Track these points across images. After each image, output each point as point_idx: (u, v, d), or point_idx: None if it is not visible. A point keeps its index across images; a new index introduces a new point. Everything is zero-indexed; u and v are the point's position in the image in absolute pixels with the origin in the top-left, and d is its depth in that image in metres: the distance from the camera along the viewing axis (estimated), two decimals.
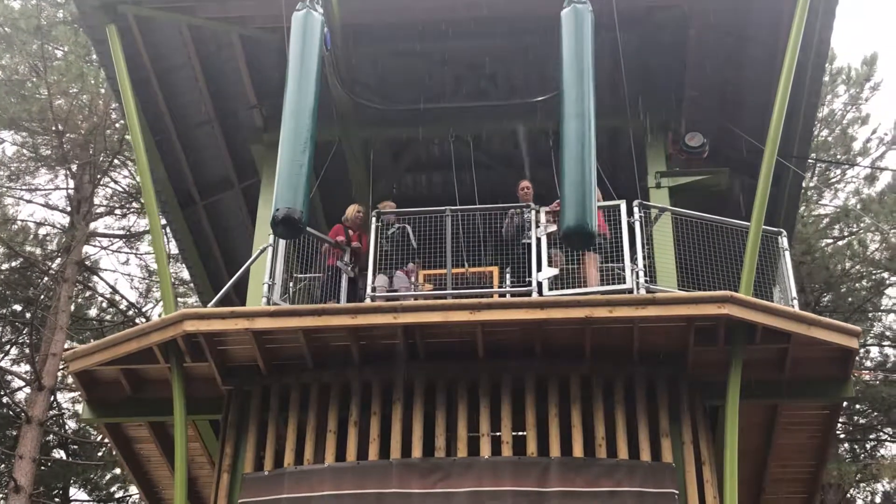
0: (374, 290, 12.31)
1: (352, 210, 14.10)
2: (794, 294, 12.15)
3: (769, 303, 11.65)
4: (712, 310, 11.16)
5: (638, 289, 11.78)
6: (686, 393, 11.71)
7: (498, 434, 11.54)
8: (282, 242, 12.74)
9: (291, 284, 13.17)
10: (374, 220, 13.03)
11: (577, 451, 11.29)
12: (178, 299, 30.60)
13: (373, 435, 11.58)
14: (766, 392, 11.97)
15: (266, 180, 14.56)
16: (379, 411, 11.76)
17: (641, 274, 11.87)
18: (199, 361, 12.05)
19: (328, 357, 12.01)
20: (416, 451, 11.39)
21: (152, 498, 14.53)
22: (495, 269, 13.19)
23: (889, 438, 28.20)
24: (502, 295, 12.54)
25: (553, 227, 12.39)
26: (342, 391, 11.99)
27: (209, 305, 12.72)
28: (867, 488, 28.53)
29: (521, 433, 11.75)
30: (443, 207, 12.80)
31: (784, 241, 12.68)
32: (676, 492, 11.01)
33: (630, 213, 12.41)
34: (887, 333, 28.33)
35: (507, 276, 12.78)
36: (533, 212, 12.69)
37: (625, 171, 14.33)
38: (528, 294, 11.99)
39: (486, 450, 11.36)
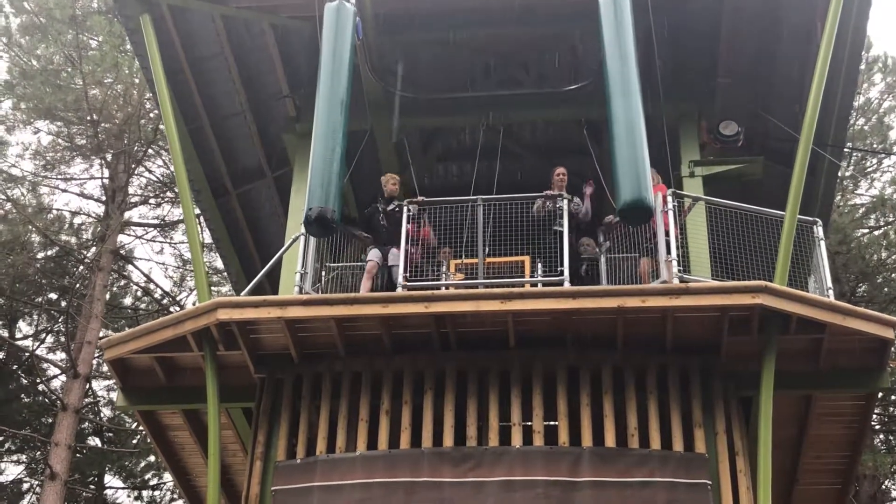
0: (405, 278, 12.29)
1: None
2: (830, 284, 12.04)
3: (804, 293, 11.55)
4: (746, 300, 11.08)
5: (671, 278, 11.71)
6: (719, 383, 11.63)
7: (529, 424, 11.51)
8: None
9: (323, 273, 13.20)
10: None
11: (609, 440, 11.25)
12: (212, 288, 30.74)
13: (404, 424, 11.58)
14: (799, 382, 11.88)
15: (298, 170, 14.60)
16: (410, 400, 11.77)
17: (675, 264, 11.79)
18: (232, 350, 12.11)
19: (360, 346, 12.03)
20: (448, 441, 11.39)
21: (186, 485, 14.62)
22: (527, 259, 13.17)
23: None
24: (534, 284, 12.52)
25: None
26: (374, 380, 12.01)
27: (242, 294, 12.76)
28: None
29: (552, 423, 11.72)
30: (474, 196, 12.77)
31: (819, 231, 12.54)
32: (709, 482, 10.95)
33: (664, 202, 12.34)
34: None
35: (539, 265, 12.75)
36: (565, 200, 12.63)
37: (658, 160, 14.22)
38: (560, 283, 11.94)
39: (517, 439, 11.33)
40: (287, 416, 12.00)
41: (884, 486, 26.91)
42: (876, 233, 27.79)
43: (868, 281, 27.07)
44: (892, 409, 27.49)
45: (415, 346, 11.96)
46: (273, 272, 13.59)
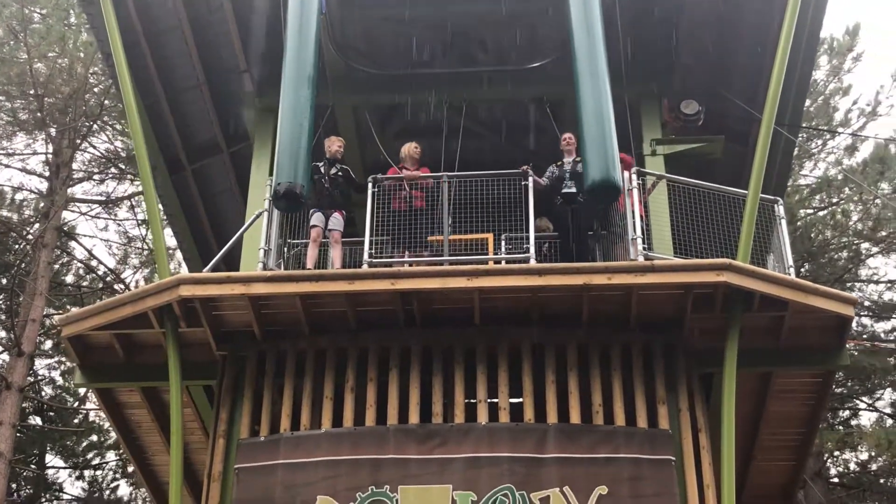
0: (370, 255, 12.22)
1: (407, 147, 13.65)
2: (791, 262, 12.17)
3: (767, 271, 11.68)
4: (711, 277, 11.16)
5: (637, 256, 11.77)
6: (683, 360, 11.73)
7: (495, 401, 11.54)
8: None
9: (286, 250, 13.10)
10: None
11: (575, 417, 11.30)
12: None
13: (369, 401, 11.55)
14: (761, 360, 11.99)
15: (259, 145, 14.47)
16: (375, 377, 11.73)
17: (640, 241, 11.84)
18: (193, 326, 11.98)
19: (324, 323, 11.95)
20: (413, 418, 11.38)
21: (142, 463, 14.46)
22: (490, 236, 13.17)
23: (866, 408, 28.43)
24: (498, 262, 12.52)
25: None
26: (338, 357, 11.95)
27: (204, 270, 12.61)
28: (842, 457, 28.77)
29: (518, 400, 11.76)
30: (440, 174, 12.73)
31: (780, 209, 12.67)
32: (673, 458, 11.06)
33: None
34: (866, 303, 28.47)
35: (503, 243, 12.75)
36: (531, 178, 12.62)
37: (620, 138, 14.30)
38: (526, 261, 11.95)
39: (483, 416, 11.35)
40: (250, 393, 11.91)
41: (828, 463, 27.37)
42: (821, 213, 28.13)
43: (813, 260, 27.41)
44: (836, 387, 27.90)
45: (380, 324, 11.91)
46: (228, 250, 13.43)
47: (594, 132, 11.38)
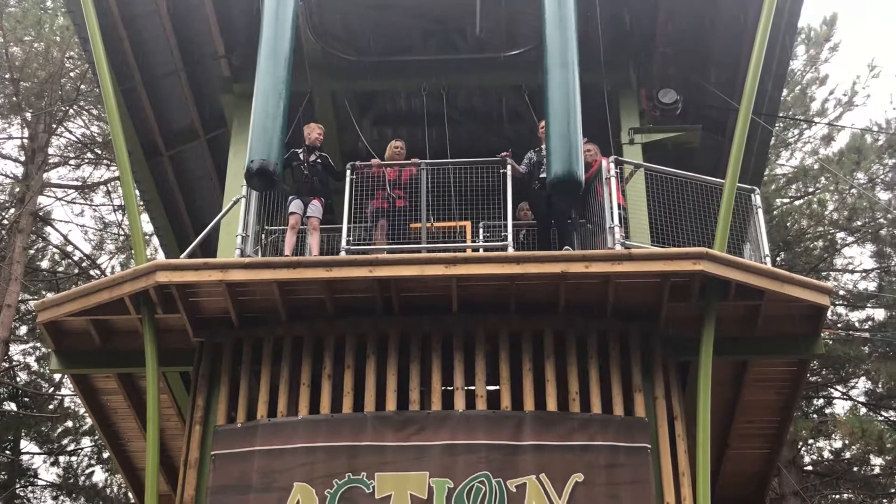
0: (347, 242, 12.20)
1: (390, 148, 13.68)
2: (767, 251, 12.22)
3: (744, 259, 11.73)
4: (687, 266, 11.20)
5: (615, 245, 11.80)
6: (659, 348, 11.77)
7: (472, 388, 11.55)
8: (254, 194, 12.63)
9: (262, 237, 13.07)
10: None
11: (551, 405, 11.33)
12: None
13: (346, 388, 11.54)
14: (736, 348, 12.04)
15: (236, 131, 14.42)
16: (353, 364, 11.72)
17: (618, 230, 11.87)
18: (170, 313, 11.94)
19: (302, 310, 11.93)
20: (391, 405, 11.38)
21: (118, 449, 14.40)
22: (468, 224, 13.18)
23: (840, 396, 28.61)
24: (476, 249, 12.54)
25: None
26: (315, 344, 11.93)
27: (182, 257, 12.57)
28: (816, 445, 28.96)
29: (495, 387, 11.79)
30: (418, 161, 12.72)
31: (757, 199, 12.70)
32: (649, 446, 11.11)
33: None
34: (841, 293, 28.64)
35: (481, 230, 12.77)
36: (509, 165, 12.62)
37: (597, 127, 14.32)
38: (504, 249, 11.96)
39: (460, 403, 11.38)
40: (227, 380, 11.87)
41: (802, 451, 27.54)
42: (797, 202, 28.25)
43: (789, 250, 27.54)
44: (810, 376, 28.07)
45: (357, 311, 11.90)
46: (206, 236, 13.40)
47: (560, 125, 11.36)
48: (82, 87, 27.19)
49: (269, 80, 11.70)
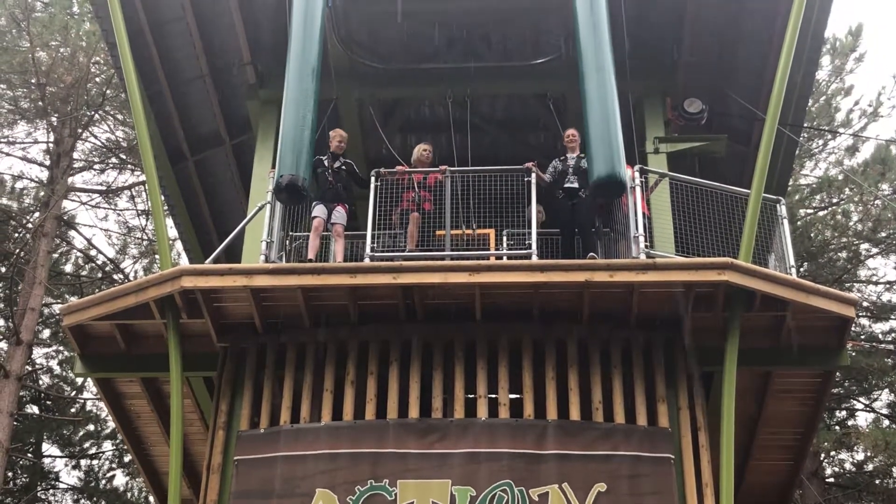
0: (372, 249, 12.21)
1: (418, 150, 13.60)
2: (792, 262, 12.17)
3: (768, 270, 11.68)
4: (712, 276, 11.16)
5: (639, 254, 11.77)
6: (682, 358, 11.74)
7: (495, 396, 11.54)
8: None
9: (287, 243, 13.10)
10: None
11: (574, 414, 11.31)
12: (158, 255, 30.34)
13: (369, 395, 11.56)
14: (760, 359, 12.01)
15: (262, 137, 14.48)
16: (376, 371, 11.73)
17: (642, 239, 11.85)
18: (194, 318, 11.97)
19: (325, 316, 11.95)
20: (413, 412, 11.39)
21: (141, 454, 14.45)
22: (491, 232, 13.17)
23: (863, 408, 28.45)
24: (500, 257, 12.53)
25: None
26: (339, 350, 11.95)
27: (207, 262, 12.61)
28: (838, 457, 28.81)
29: (517, 396, 11.76)
30: (445, 167, 12.71)
31: (783, 209, 12.67)
32: (672, 457, 11.07)
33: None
34: (864, 304, 28.48)
35: (505, 238, 12.76)
36: (533, 174, 12.60)
37: (623, 135, 14.33)
38: (528, 257, 11.95)
39: (482, 412, 11.36)
40: (250, 385, 11.91)
41: (824, 463, 27.39)
42: (821, 213, 28.13)
43: (812, 260, 27.42)
44: (833, 388, 27.91)
45: (381, 317, 11.91)
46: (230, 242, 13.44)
47: (600, 128, 11.45)
48: (108, 92, 27.32)
49: (298, 93, 11.76)
